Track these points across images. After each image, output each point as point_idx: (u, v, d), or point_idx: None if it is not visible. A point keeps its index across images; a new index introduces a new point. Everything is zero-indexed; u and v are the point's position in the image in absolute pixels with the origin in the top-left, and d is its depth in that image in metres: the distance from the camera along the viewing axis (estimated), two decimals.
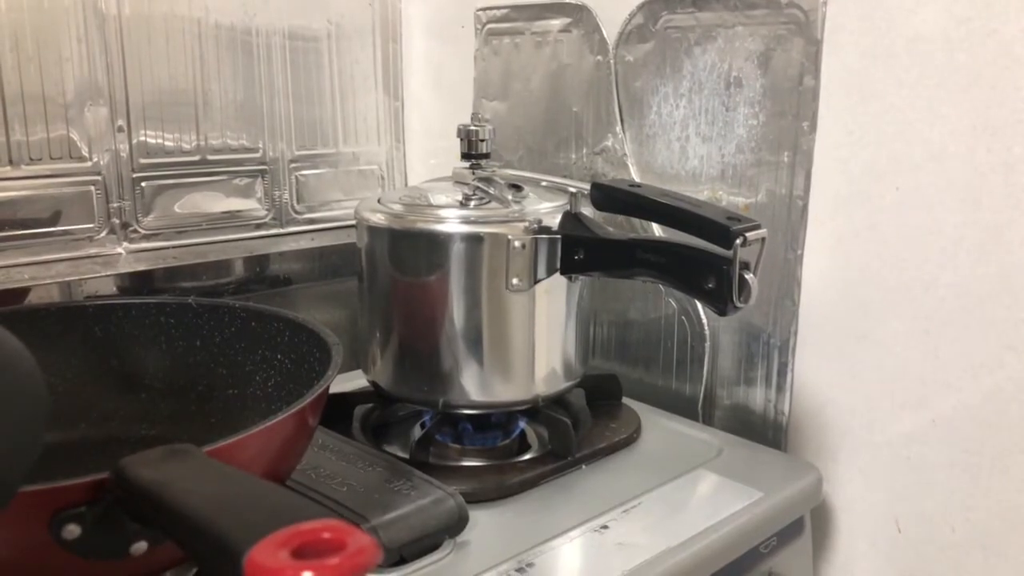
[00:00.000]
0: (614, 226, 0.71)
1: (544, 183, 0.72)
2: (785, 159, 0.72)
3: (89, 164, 0.78)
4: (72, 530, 0.39)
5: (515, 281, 0.66)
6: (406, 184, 1.02)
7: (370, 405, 0.76)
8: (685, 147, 0.78)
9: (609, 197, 0.65)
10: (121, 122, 0.79)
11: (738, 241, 0.56)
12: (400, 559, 0.55)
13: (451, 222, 0.67)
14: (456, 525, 0.58)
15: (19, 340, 0.34)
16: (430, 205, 0.69)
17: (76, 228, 0.78)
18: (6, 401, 0.32)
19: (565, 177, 0.80)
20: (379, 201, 0.71)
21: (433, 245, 0.67)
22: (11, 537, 0.38)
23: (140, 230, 0.82)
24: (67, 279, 0.74)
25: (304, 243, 0.91)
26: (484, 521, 0.61)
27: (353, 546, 0.27)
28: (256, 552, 0.27)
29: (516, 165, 0.92)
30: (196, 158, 0.85)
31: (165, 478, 0.36)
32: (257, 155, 0.89)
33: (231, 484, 0.35)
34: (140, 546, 0.40)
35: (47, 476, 0.37)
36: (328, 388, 0.52)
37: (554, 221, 0.67)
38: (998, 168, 0.62)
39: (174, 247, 0.84)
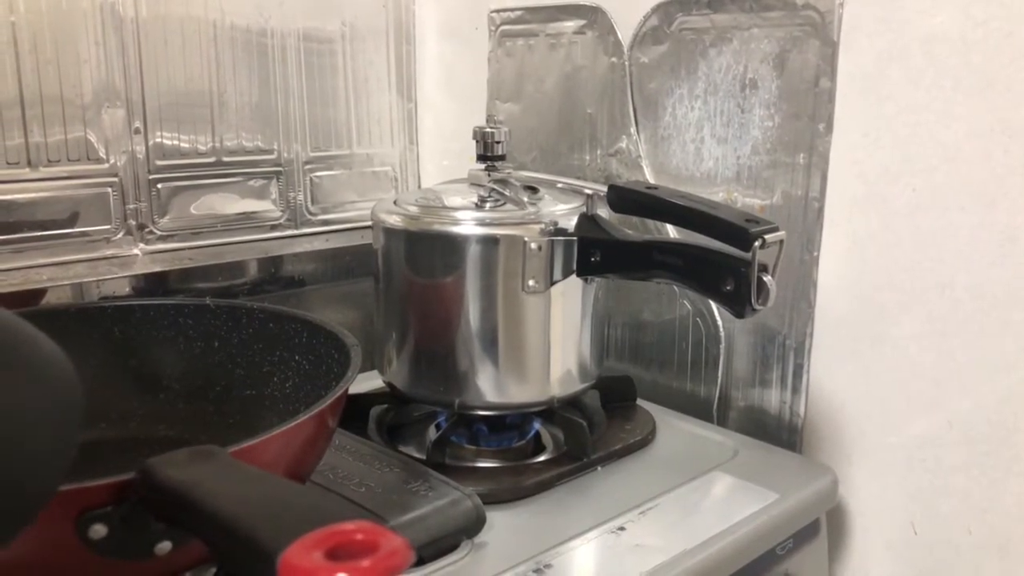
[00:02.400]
0: (628, 227, 0.71)
1: (560, 185, 0.73)
2: (801, 161, 0.72)
3: (106, 166, 0.78)
4: (98, 530, 0.39)
5: (531, 283, 0.66)
6: (419, 185, 1.02)
7: (385, 406, 0.76)
8: (700, 149, 0.78)
9: (625, 199, 0.65)
10: (138, 124, 0.79)
11: (757, 243, 0.56)
12: (419, 560, 0.55)
13: (467, 224, 0.67)
14: (474, 526, 0.59)
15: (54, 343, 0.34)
16: (446, 207, 0.69)
17: (93, 229, 0.78)
18: (44, 403, 0.32)
19: (580, 179, 0.81)
20: (395, 203, 0.71)
21: (449, 247, 0.67)
22: (38, 537, 0.38)
23: (156, 231, 0.82)
24: (84, 280, 0.75)
25: (318, 244, 0.92)
26: (501, 522, 0.61)
27: (386, 548, 0.27)
28: (290, 553, 0.27)
29: (530, 167, 0.92)
30: (211, 159, 0.85)
31: (193, 479, 0.36)
32: (272, 156, 0.89)
33: (259, 485, 0.36)
34: (164, 546, 0.40)
35: (69, 476, 0.37)
36: (348, 389, 0.53)
37: (570, 223, 0.67)
38: (1015, 170, 0.62)
39: (190, 248, 0.84)
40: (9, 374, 0.32)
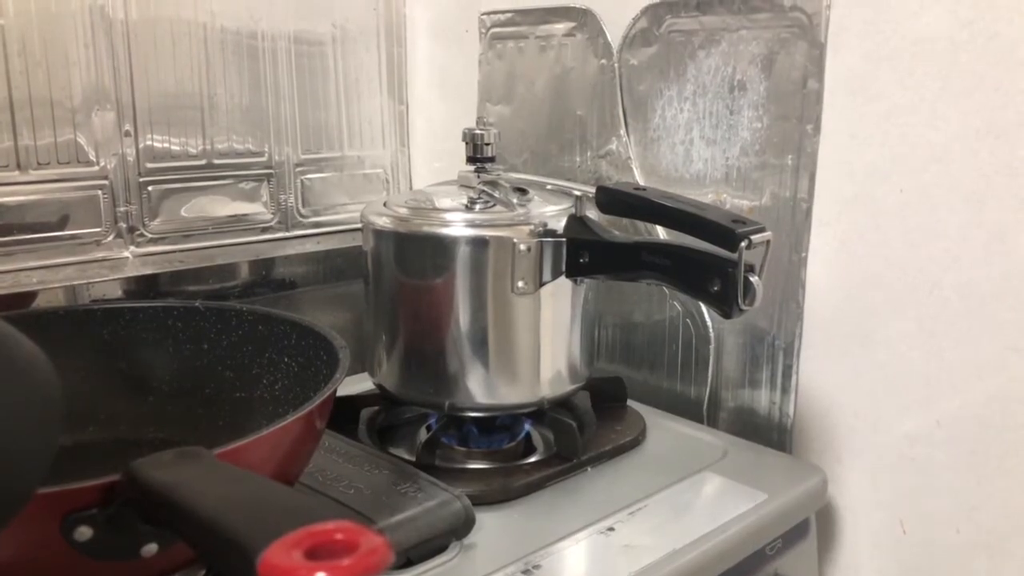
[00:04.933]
0: (618, 229, 0.71)
1: (549, 186, 0.73)
2: (789, 162, 0.72)
3: (96, 168, 0.78)
4: (84, 532, 0.39)
5: (520, 284, 0.67)
6: (410, 187, 1.02)
7: (376, 408, 0.76)
8: (689, 150, 0.79)
9: (614, 200, 0.65)
10: (128, 126, 0.79)
11: (743, 244, 0.56)
12: (407, 561, 0.56)
13: (457, 225, 0.67)
14: (463, 527, 0.59)
15: (35, 344, 0.34)
16: (436, 208, 0.70)
17: (83, 232, 0.78)
18: (23, 405, 0.32)
19: (570, 180, 0.81)
20: (385, 205, 0.71)
21: (439, 248, 0.67)
22: (23, 538, 0.39)
23: (147, 234, 0.82)
24: (75, 283, 0.75)
25: (309, 246, 0.92)
26: (490, 523, 0.61)
27: (366, 547, 0.27)
28: (270, 553, 0.27)
29: (520, 168, 0.92)
30: (202, 162, 0.85)
31: (177, 480, 0.36)
32: (263, 159, 0.89)
33: (243, 486, 0.36)
34: (150, 548, 0.41)
35: (57, 478, 0.37)
36: (335, 391, 0.53)
37: (559, 224, 0.67)
38: (1002, 170, 0.63)
39: (180, 251, 0.84)
40: None
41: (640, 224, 0.78)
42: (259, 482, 0.36)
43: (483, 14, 0.94)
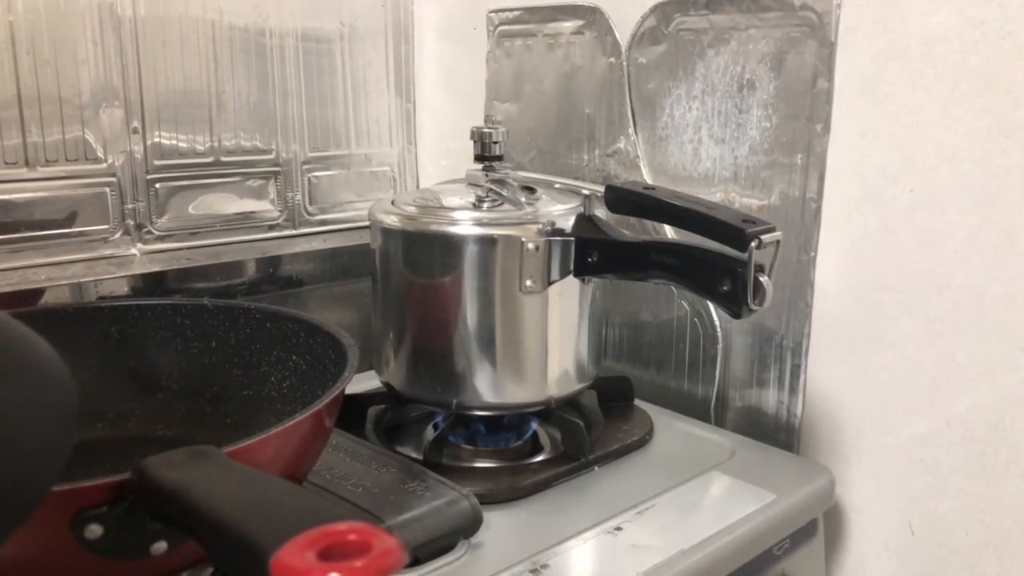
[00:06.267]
0: (626, 228, 0.71)
1: (557, 185, 0.73)
2: (798, 161, 0.72)
3: (104, 165, 0.78)
4: (94, 530, 0.39)
5: (528, 283, 0.66)
6: (417, 185, 1.02)
7: (383, 406, 0.76)
8: (698, 149, 0.78)
9: (623, 199, 0.65)
10: (136, 124, 0.80)
11: (753, 244, 0.56)
12: (415, 560, 0.56)
13: (465, 224, 0.67)
14: (470, 526, 0.59)
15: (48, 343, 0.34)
16: (444, 207, 0.70)
17: (91, 229, 0.78)
18: (38, 404, 0.32)
19: (578, 179, 0.81)
20: (393, 203, 0.71)
21: (447, 247, 0.67)
22: (33, 537, 0.39)
23: (154, 231, 0.82)
24: (82, 280, 0.75)
25: (316, 244, 0.92)
26: (498, 522, 0.61)
27: (379, 548, 0.27)
28: (283, 553, 0.27)
29: (528, 167, 0.92)
30: (210, 159, 0.85)
31: (188, 479, 0.36)
32: (270, 156, 0.89)
33: (254, 485, 0.36)
34: (160, 546, 0.41)
35: (66, 476, 0.37)
36: (344, 389, 0.53)
37: (567, 223, 0.67)
38: (1013, 170, 0.62)
39: (188, 248, 0.84)
40: (2, 375, 0.32)
41: (647, 223, 0.78)
42: (271, 481, 0.36)
43: (491, 12, 0.93)
